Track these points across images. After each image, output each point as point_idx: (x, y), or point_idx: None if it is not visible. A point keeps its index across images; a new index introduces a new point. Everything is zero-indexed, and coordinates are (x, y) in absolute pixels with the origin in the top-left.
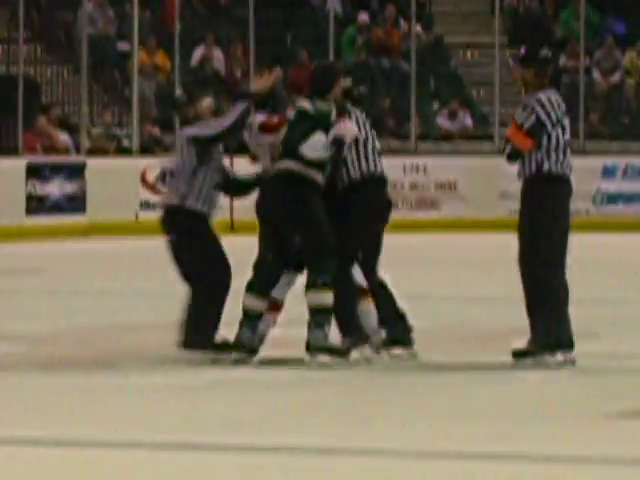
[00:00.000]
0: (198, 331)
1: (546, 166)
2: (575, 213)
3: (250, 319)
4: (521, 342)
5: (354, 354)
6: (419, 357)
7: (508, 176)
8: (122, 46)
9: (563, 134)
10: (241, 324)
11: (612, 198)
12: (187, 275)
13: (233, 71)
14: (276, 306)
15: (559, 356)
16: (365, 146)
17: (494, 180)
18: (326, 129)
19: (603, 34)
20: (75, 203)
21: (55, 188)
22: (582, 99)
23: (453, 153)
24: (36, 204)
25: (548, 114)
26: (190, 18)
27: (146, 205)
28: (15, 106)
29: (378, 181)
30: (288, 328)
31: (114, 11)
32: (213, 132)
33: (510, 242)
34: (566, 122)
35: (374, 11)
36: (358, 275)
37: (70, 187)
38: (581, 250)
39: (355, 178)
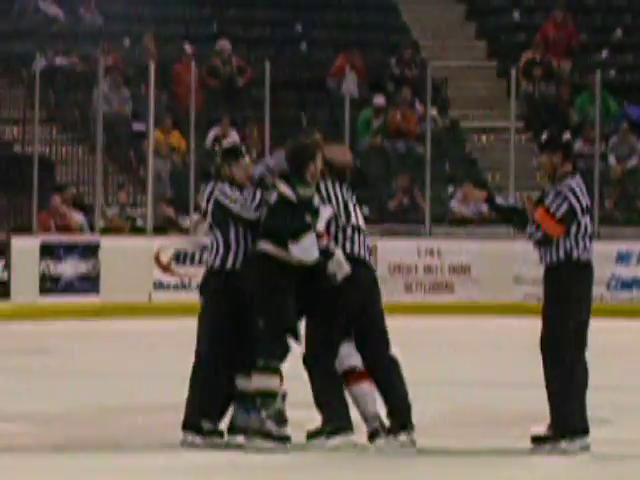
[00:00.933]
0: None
1: (575, 254)
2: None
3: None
4: (539, 427)
5: (335, 441)
6: (434, 442)
7: (522, 260)
8: (137, 126)
9: (589, 220)
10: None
11: (626, 284)
12: None
13: (249, 152)
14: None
15: (576, 442)
16: (344, 228)
17: (508, 264)
18: (309, 213)
19: (619, 119)
20: (88, 283)
21: (69, 268)
22: (597, 184)
23: (467, 236)
24: (49, 283)
25: (579, 201)
26: (206, 98)
27: (159, 286)
28: (30, 185)
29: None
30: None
31: (129, 91)
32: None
33: (524, 326)
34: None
35: (390, 94)
36: (355, 357)
37: (84, 267)
38: (595, 336)
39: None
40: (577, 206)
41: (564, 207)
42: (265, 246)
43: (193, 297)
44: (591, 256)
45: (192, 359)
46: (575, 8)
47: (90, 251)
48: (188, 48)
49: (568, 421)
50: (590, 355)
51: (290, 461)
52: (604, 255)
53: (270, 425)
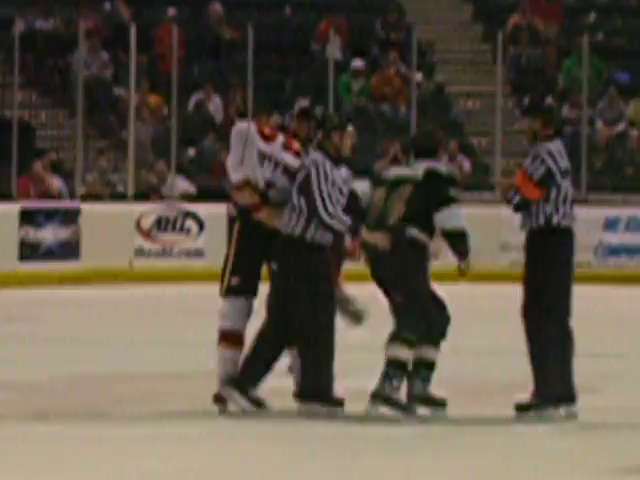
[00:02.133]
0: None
1: (555, 219)
2: (576, 265)
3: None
4: (524, 395)
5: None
6: (420, 410)
7: (509, 227)
8: (118, 90)
9: (570, 185)
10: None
11: (614, 250)
12: None
13: (231, 117)
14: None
15: (562, 410)
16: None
17: (494, 231)
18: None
19: (606, 84)
20: (69, 249)
21: (49, 234)
22: (584, 150)
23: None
24: (29, 250)
25: (558, 165)
26: (188, 62)
27: (140, 252)
28: (9, 151)
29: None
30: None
31: (109, 55)
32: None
33: (510, 293)
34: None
35: (374, 57)
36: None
37: (64, 233)
38: (582, 302)
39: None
40: (555, 168)
41: (542, 170)
42: (415, 233)
43: (174, 264)
44: (572, 222)
45: (171, 326)
46: None
47: (70, 217)
48: (171, 11)
49: (551, 389)
50: (577, 322)
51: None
52: (592, 221)
53: (398, 395)
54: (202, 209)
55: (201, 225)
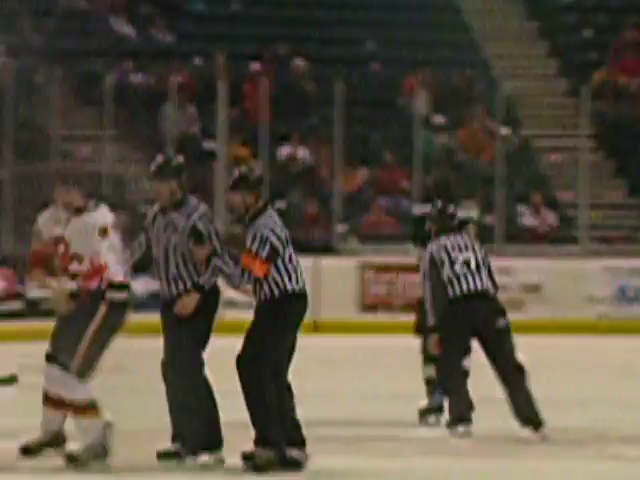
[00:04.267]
0: None
1: (289, 286)
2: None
3: None
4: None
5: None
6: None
7: (595, 280)
8: (208, 144)
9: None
10: None
11: None
12: None
13: (320, 170)
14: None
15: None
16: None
17: (580, 283)
18: None
19: None
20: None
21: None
22: None
23: (538, 255)
24: None
25: (279, 237)
26: (276, 116)
27: (230, 304)
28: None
29: None
30: None
31: (199, 109)
32: None
33: (597, 346)
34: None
35: (461, 112)
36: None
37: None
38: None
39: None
40: (277, 242)
41: (267, 248)
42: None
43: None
44: (300, 285)
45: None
46: None
47: None
48: (259, 66)
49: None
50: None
51: None
52: None
53: None
54: None
55: None
